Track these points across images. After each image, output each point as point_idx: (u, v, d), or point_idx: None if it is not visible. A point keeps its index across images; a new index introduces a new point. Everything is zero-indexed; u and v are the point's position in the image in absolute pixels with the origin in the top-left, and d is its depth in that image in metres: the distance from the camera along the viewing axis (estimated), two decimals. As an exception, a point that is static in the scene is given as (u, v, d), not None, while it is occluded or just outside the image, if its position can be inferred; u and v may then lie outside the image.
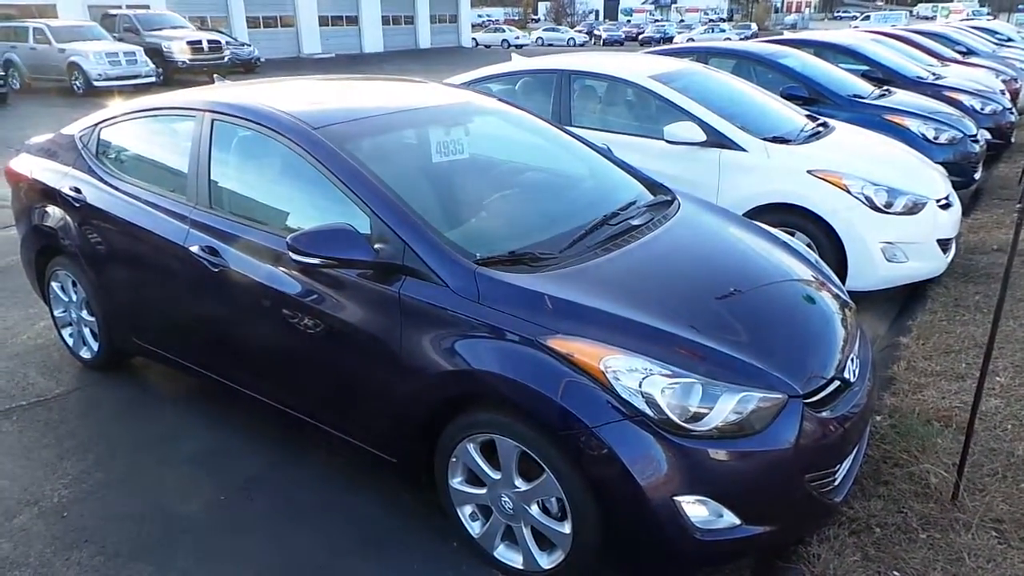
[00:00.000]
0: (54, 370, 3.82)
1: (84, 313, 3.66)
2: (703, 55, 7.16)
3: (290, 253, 2.34)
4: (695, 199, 3.25)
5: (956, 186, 5.27)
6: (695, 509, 2.04)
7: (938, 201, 4.36)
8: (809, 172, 4.24)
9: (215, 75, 3.74)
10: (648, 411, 2.00)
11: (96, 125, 3.52)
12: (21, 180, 3.79)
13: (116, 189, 3.27)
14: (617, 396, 2.01)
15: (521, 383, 2.10)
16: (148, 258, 3.15)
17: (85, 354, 3.77)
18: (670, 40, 40.94)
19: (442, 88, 3.54)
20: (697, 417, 2.02)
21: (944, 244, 4.37)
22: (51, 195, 3.55)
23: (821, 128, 4.99)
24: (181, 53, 18.79)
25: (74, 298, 3.68)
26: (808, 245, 4.25)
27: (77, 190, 3.41)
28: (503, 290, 2.25)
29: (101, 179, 3.35)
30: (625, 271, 2.44)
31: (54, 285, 3.79)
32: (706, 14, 70.87)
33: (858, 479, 2.57)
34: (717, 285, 2.48)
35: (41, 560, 2.49)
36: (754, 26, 49.84)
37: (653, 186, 3.27)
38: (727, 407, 2.03)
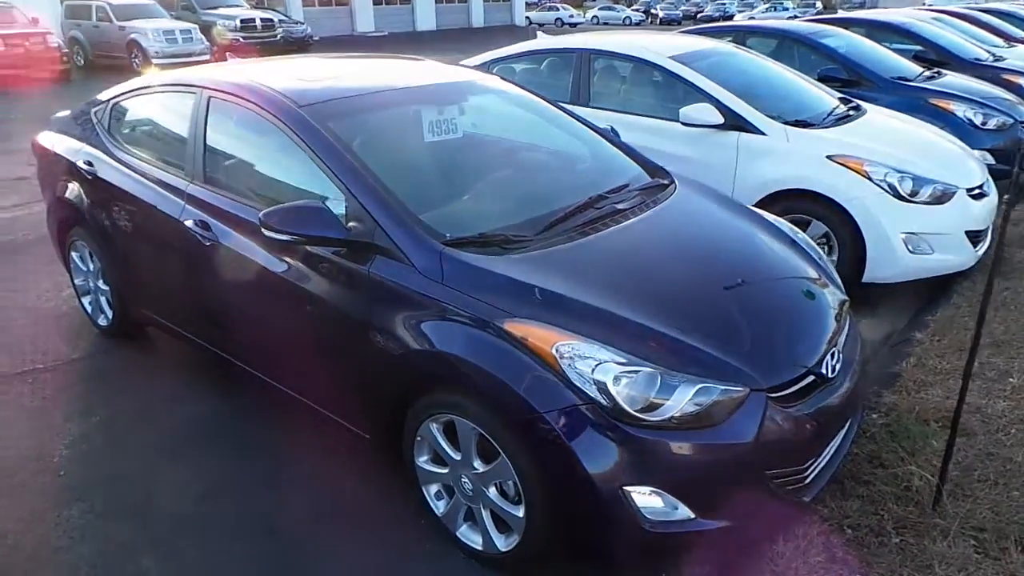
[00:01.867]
0: (74, 336, 3.99)
1: (100, 283, 3.80)
2: (741, 34, 6.93)
3: (262, 229, 2.37)
4: (695, 184, 3.16)
5: (1005, 175, 4.98)
6: (648, 500, 2.00)
7: (970, 191, 4.13)
8: (829, 157, 4.07)
9: (227, 53, 3.81)
10: (600, 399, 1.97)
11: (109, 100, 3.63)
12: (45, 153, 3.95)
13: (123, 163, 3.37)
14: (568, 382, 1.98)
15: (477, 365, 2.10)
16: (150, 231, 3.24)
17: (102, 322, 3.93)
18: (730, 18, 39.72)
19: (442, 67, 3.52)
20: (652, 407, 1.97)
21: (974, 236, 4.15)
22: (69, 168, 3.69)
23: (852, 112, 4.78)
24: (235, 31, 19.16)
25: (91, 268, 3.83)
26: (825, 234, 4.11)
27: (90, 163, 3.53)
28: (466, 272, 2.24)
29: (111, 153, 3.46)
30: (597, 256, 2.40)
31: (74, 255, 3.94)
32: (771, -8, 68.32)
33: (838, 478, 2.48)
34: (690, 273, 2.42)
35: (34, 516, 2.62)
36: (819, 4, 47.84)
37: (653, 169, 3.19)
38: (684, 398, 1.98)
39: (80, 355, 3.79)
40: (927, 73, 6.54)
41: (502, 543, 2.27)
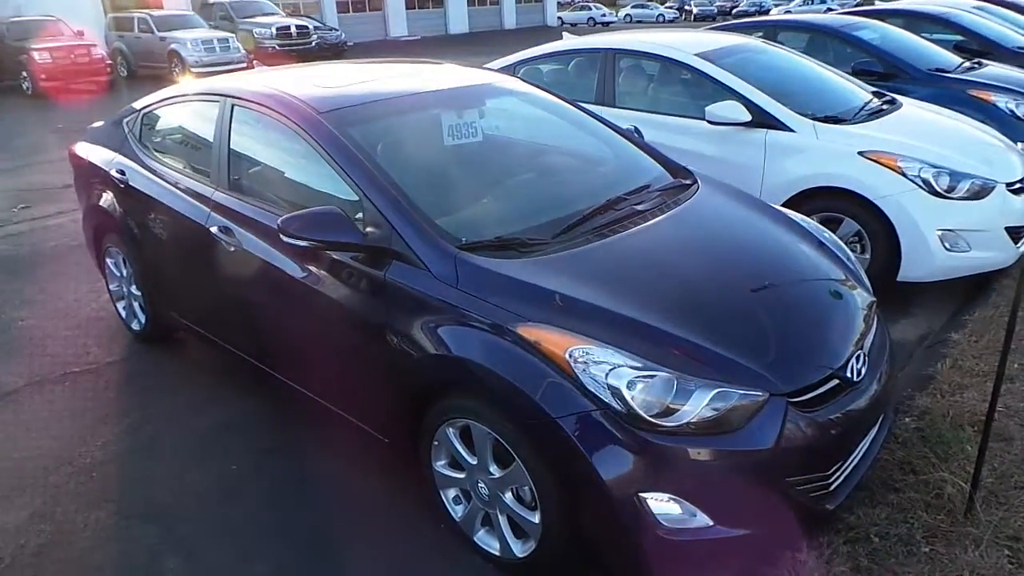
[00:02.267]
0: (108, 340, 4.09)
1: (133, 288, 3.89)
2: (772, 29, 6.81)
3: (280, 235, 2.40)
4: (718, 184, 3.10)
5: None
6: (664, 507, 1.97)
7: (1009, 185, 3.98)
8: (860, 153, 3.96)
9: (254, 61, 3.87)
10: (614, 404, 1.94)
11: (140, 110, 3.72)
12: (80, 163, 4.06)
13: (153, 172, 3.45)
14: (582, 387, 1.96)
15: (490, 370, 2.09)
16: (179, 238, 3.31)
17: (135, 326, 4.02)
18: (765, 13, 39.12)
19: (462, 70, 3.51)
20: (668, 412, 1.94)
21: (1016, 232, 4.00)
22: (102, 177, 3.79)
23: (885, 106, 4.65)
24: (271, 39, 19.53)
25: (124, 273, 3.92)
26: (857, 232, 4.01)
27: (122, 172, 3.62)
28: (480, 275, 2.23)
29: (141, 162, 3.54)
30: (614, 258, 2.37)
31: (108, 261, 4.05)
32: (809, -16, 66.87)
33: (866, 484, 2.41)
34: (710, 274, 2.37)
35: (65, 516, 2.69)
36: (860, -4, 46.67)
37: (676, 169, 3.15)
38: (701, 403, 1.94)
39: (114, 359, 3.89)
40: (967, 64, 6.33)
41: (519, 549, 2.25)
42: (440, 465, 2.42)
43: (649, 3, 50.97)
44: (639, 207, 2.67)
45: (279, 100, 2.86)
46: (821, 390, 2.11)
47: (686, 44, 4.83)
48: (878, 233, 3.93)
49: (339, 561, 2.43)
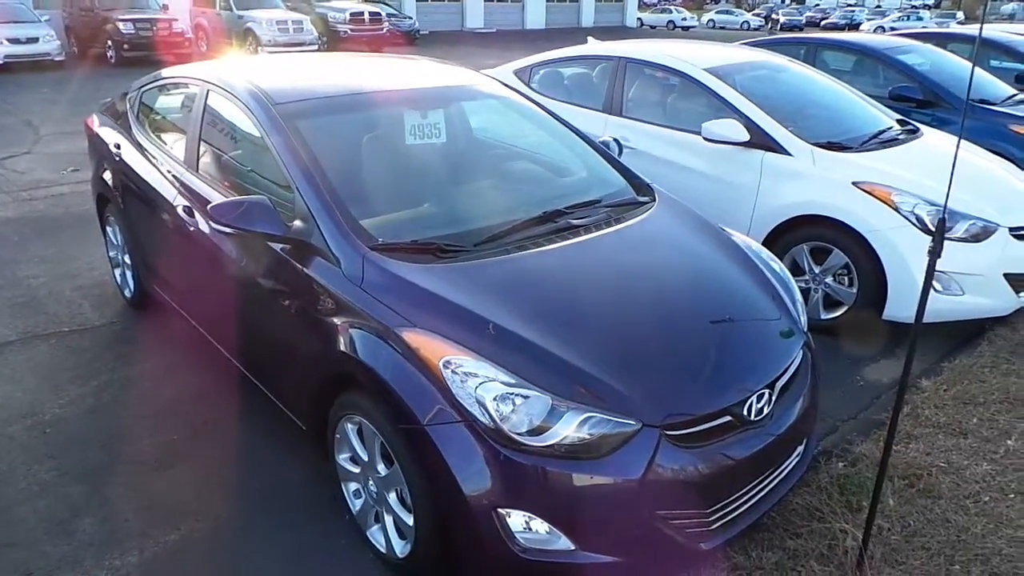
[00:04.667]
0: (103, 304, 4.31)
1: (126, 257, 4.09)
2: (814, 48, 6.58)
3: (209, 220, 2.48)
4: (676, 205, 3.02)
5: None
6: (523, 525, 1.96)
7: (1014, 230, 3.75)
8: (855, 184, 3.80)
9: (260, 47, 3.99)
10: (481, 417, 1.94)
11: (140, 88, 3.89)
12: (91, 133, 4.28)
13: (141, 148, 3.61)
14: (452, 398, 1.97)
15: (375, 372, 2.12)
16: (155, 214, 3.45)
17: (127, 293, 4.22)
18: (857, 27, 37.69)
19: (441, 70, 3.53)
20: (536, 432, 1.93)
21: (1018, 280, 3.76)
22: (104, 148, 3.99)
23: (902, 135, 4.44)
24: (344, 24, 20.00)
25: (119, 242, 4.13)
26: (845, 265, 3.85)
27: (117, 145, 3.80)
28: (383, 277, 2.26)
29: (133, 138, 3.71)
30: (522, 272, 2.35)
31: (108, 229, 4.26)
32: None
33: (767, 526, 2.34)
34: (619, 297, 2.33)
35: (9, 467, 2.86)
36: (961, 15, 44.37)
37: (639, 186, 3.10)
38: (570, 426, 1.93)
39: (102, 323, 4.09)
40: (1019, 96, 5.96)
41: (400, 548, 2.28)
42: (342, 458, 2.47)
43: (735, 10, 49.79)
44: (575, 222, 2.65)
45: (243, 89, 2.94)
46: (707, 426, 2.06)
47: (699, 57, 4.72)
48: (866, 268, 3.77)
49: (242, 537, 2.51)
